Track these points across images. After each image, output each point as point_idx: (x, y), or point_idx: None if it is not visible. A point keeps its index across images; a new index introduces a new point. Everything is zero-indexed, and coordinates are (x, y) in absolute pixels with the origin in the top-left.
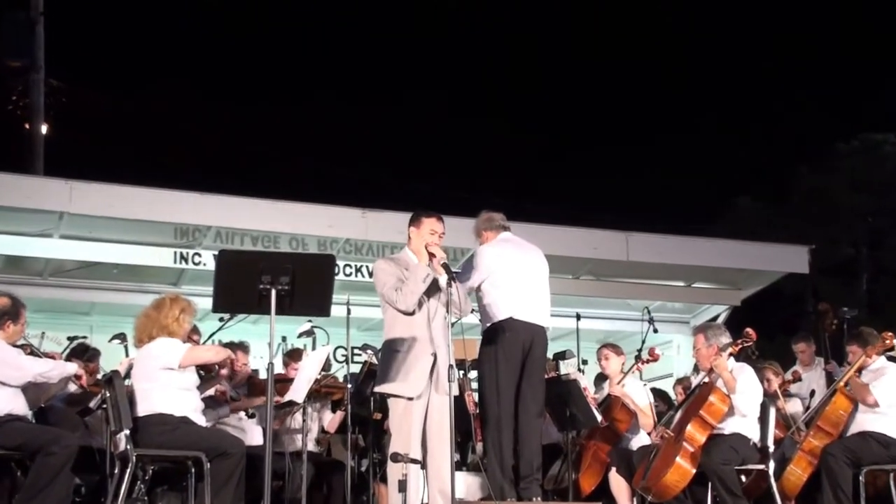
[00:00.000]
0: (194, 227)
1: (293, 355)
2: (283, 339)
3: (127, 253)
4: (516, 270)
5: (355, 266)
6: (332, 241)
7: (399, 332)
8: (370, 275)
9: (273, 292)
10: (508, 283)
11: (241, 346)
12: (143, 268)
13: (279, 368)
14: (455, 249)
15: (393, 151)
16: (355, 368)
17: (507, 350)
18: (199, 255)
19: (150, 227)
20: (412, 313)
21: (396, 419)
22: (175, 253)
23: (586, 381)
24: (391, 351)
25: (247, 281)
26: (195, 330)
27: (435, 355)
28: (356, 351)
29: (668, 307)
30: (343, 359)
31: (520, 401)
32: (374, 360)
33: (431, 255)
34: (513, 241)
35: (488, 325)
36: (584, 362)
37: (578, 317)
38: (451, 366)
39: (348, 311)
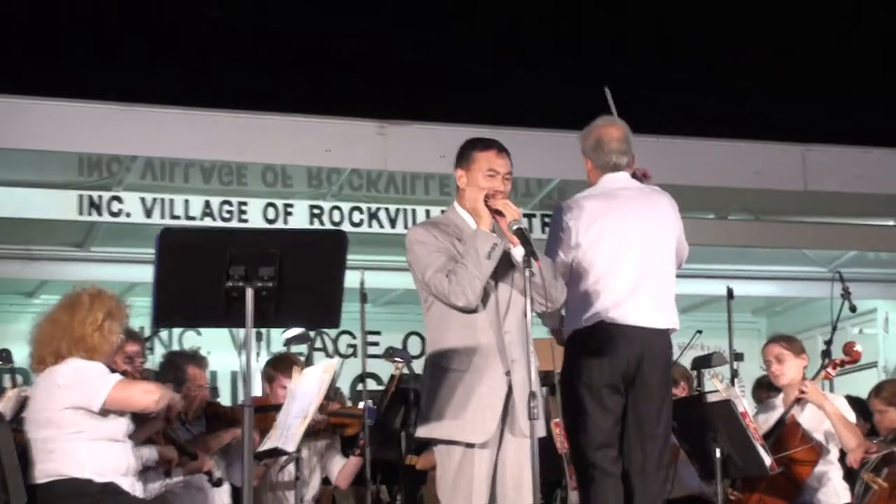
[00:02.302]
0: (110, 156)
1: (281, 365)
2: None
3: (2, 200)
4: (622, 242)
5: (368, 210)
6: (331, 174)
7: (453, 340)
8: (391, 223)
9: (249, 293)
10: (606, 262)
11: (193, 359)
12: (28, 222)
13: (258, 388)
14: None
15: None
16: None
17: (601, 372)
18: (119, 199)
19: (41, 159)
20: (474, 310)
21: (450, 474)
22: (80, 198)
23: (745, 403)
24: (441, 370)
25: (207, 276)
26: (133, 337)
27: (510, 376)
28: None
29: (869, 259)
30: (352, 356)
31: (628, 448)
32: (406, 371)
33: (496, 214)
34: (625, 190)
35: (571, 329)
36: (738, 357)
37: (731, 293)
38: (532, 393)
39: (362, 285)
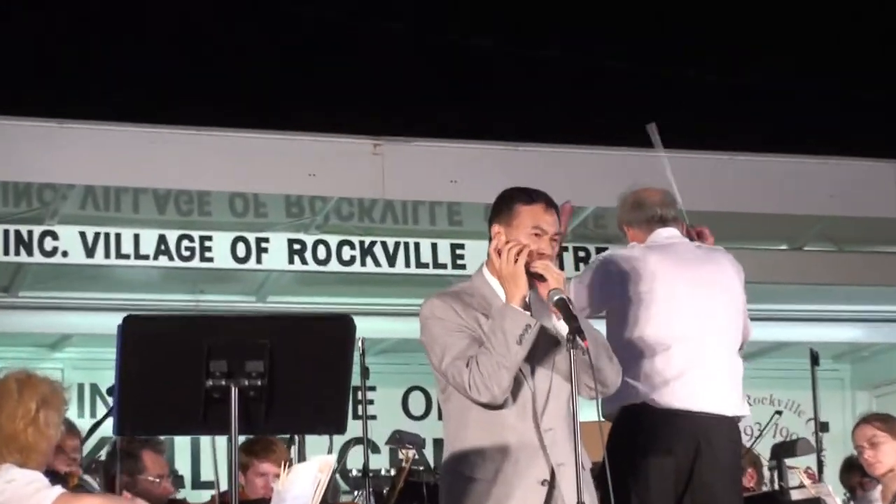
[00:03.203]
0: (42, 185)
1: (256, 448)
2: None
3: None
4: (676, 305)
5: (361, 245)
6: (314, 202)
7: (475, 440)
8: (389, 260)
9: (234, 394)
10: (656, 330)
11: (148, 444)
12: None
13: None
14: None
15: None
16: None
17: (651, 466)
18: (53, 234)
19: None
20: (500, 406)
21: None
22: (4, 233)
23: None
24: (460, 479)
25: (181, 373)
26: (71, 430)
27: (552, 486)
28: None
29: None
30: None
31: None
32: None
33: (536, 279)
34: (681, 245)
35: (616, 409)
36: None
37: (815, 359)
38: None
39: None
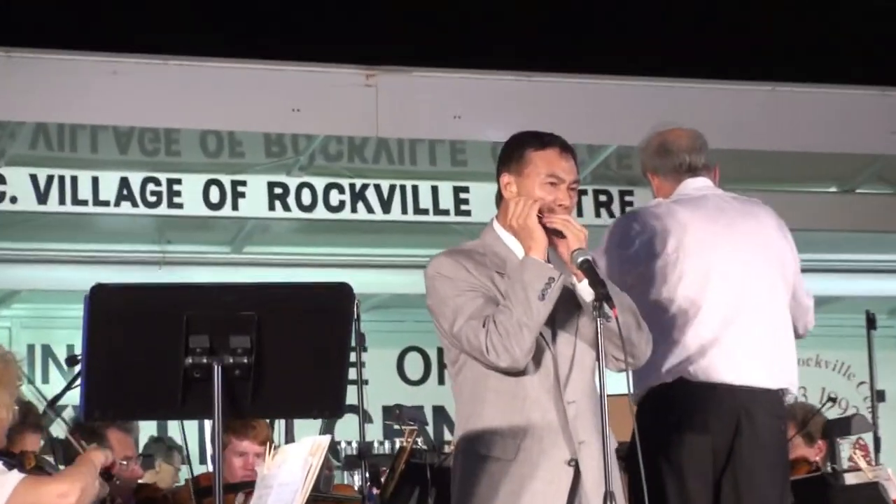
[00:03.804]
0: None
1: (239, 427)
2: None
3: None
4: (711, 263)
5: (352, 189)
6: (297, 140)
7: (493, 415)
8: (383, 205)
9: (217, 372)
10: (690, 293)
11: (115, 423)
12: None
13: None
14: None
15: None
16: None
17: (682, 450)
18: (0, 177)
19: None
20: (522, 372)
21: None
22: None
23: None
24: (476, 459)
25: (157, 350)
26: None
27: (576, 465)
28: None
29: None
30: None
31: None
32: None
33: (554, 236)
34: (714, 198)
35: (644, 387)
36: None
37: (872, 322)
38: (610, 494)
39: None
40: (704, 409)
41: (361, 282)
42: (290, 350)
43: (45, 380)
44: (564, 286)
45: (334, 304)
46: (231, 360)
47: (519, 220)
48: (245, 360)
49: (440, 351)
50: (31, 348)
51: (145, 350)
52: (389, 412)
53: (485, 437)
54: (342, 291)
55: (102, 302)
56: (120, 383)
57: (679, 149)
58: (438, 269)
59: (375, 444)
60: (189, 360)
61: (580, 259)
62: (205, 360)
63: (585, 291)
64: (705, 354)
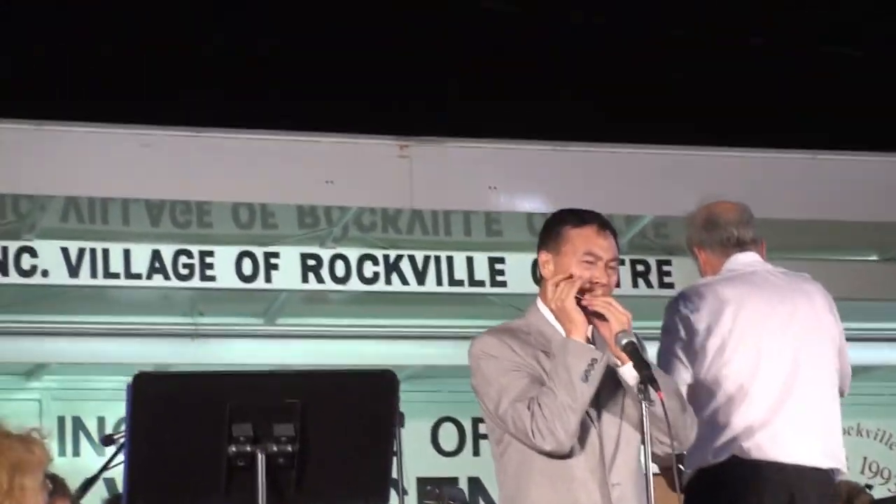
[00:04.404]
0: (14, 196)
1: None
2: None
3: None
4: (763, 342)
5: (386, 260)
6: (331, 211)
7: (538, 497)
8: (418, 276)
9: (260, 461)
10: (744, 371)
11: None
12: None
13: None
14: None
15: None
16: None
17: None
18: (31, 251)
19: None
20: (567, 454)
21: None
22: None
23: None
24: None
25: (201, 438)
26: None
27: None
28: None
29: None
30: None
31: None
32: None
33: (596, 318)
34: (765, 274)
35: (695, 467)
36: None
37: None
38: None
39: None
40: (758, 489)
41: (396, 353)
42: (334, 437)
43: (76, 452)
44: (608, 367)
45: (378, 391)
46: (275, 448)
47: (557, 303)
48: (289, 449)
49: (475, 421)
50: (61, 420)
51: (188, 438)
52: (427, 491)
53: None
54: (386, 378)
55: (145, 390)
56: (163, 471)
57: (727, 222)
58: (483, 349)
59: None
60: (232, 449)
61: (624, 341)
62: (248, 449)
63: (629, 374)
64: (757, 433)
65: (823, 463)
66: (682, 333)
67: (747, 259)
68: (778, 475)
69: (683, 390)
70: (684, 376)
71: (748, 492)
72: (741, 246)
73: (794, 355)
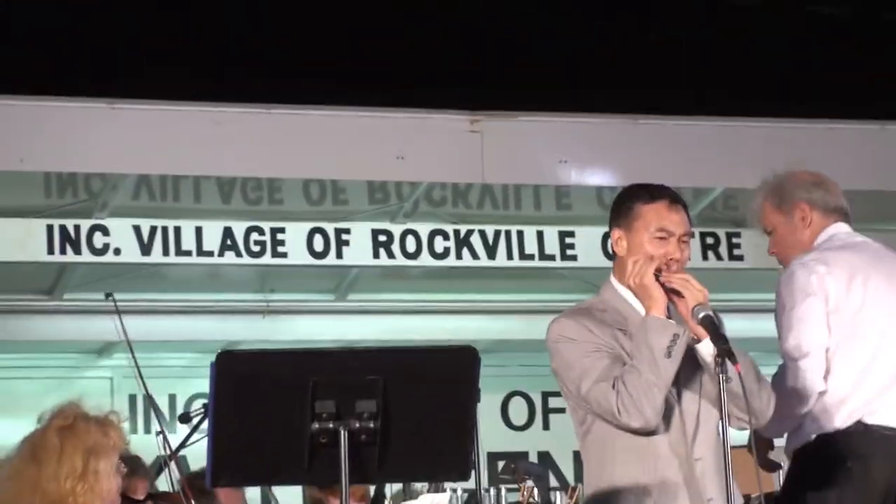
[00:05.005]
0: (87, 175)
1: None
2: None
3: None
4: (891, 311)
5: (456, 235)
6: (401, 187)
7: (624, 475)
8: (489, 251)
9: (343, 438)
10: (874, 340)
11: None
12: None
13: None
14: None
15: None
16: None
17: (859, 493)
18: (103, 229)
19: None
20: (653, 431)
21: None
22: (48, 229)
23: None
24: None
25: (284, 416)
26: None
27: None
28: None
29: None
30: None
31: None
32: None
33: (672, 294)
34: (868, 246)
35: (810, 437)
36: None
37: None
38: None
39: None
40: (883, 454)
41: (466, 327)
42: (416, 414)
43: (147, 430)
44: (689, 347)
45: (460, 367)
46: (357, 425)
47: (636, 280)
48: (371, 425)
49: (544, 396)
50: (132, 399)
51: (271, 416)
52: (504, 466)
53: (618, 497)
54: (468, 355)
55: (228, 368)
56: (246, 449)
57: (836, 190)
58: (562, 332)
59: (481, 493)
60: (315, 426)
61: (701, 315)
62: (331, 426)
63: (706, 350)
64: (880, 400)
65: None
66: (822, 296)
67: (847, 229)
68: (892, 442)
69: (821, 355)
70: (823, 340)
71: (872, 457)
72: (845, 217)
73: None
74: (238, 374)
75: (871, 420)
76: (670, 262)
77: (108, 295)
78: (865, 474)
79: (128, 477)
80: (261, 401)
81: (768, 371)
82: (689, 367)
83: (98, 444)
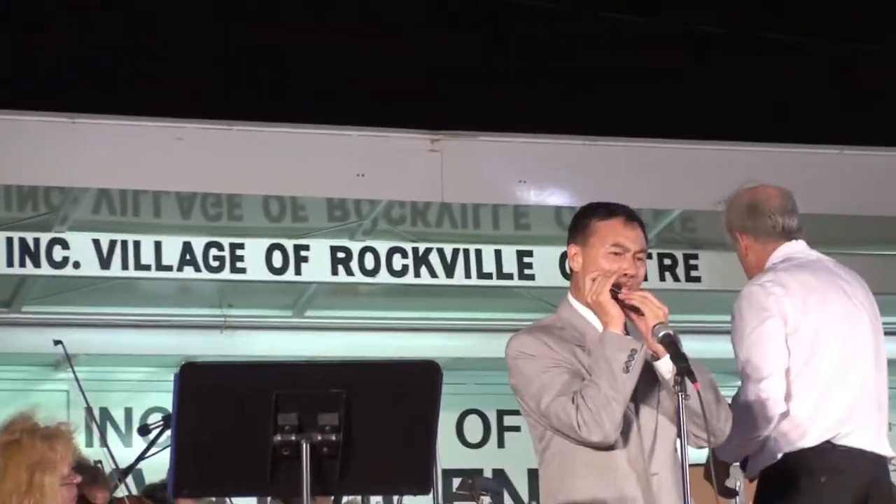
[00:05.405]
0: (47, 189)
1: None
2: None
3: None
4: (848, 333)
5: (415, 253)
6: (362, 206)
7: (583, 490)
8: (447, 269)
9: (305, 450)
10: (836, 360)
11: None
12: None
13: None
14: None
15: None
16: None
17: None
18: (63, 243)
19: None
20: (611, 446)
21: None
22: (8, 242)
23: None
24: None
25: (246, 428)
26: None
27: None
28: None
29: None
30: None
31: None
32: None
33: (632, 311)
34: (820, 262)
35: (776, 457)
36: None
37: None
38: None
39: None
40: (845, 474)
41: (423, 345)
42: (378, 427)
43: (103, 443)
44: (646, 364)
45: (422, 382)
46: (319, 438)
47: (593, 297)
48: (333, 438)
49: (500, 414)
50: (88, 411)
51: (234, 427)
52: (461, 482)
53: None
54: (430, 370)
55: (191, 380)
56: (209, 460)
57: (772, 210)
58: (521, 349)
59: None
60: (278, 438)
61: (661, 333)
62: (293, 438)
63: (665, 367)
64: (849, 421)
65: (890, 452)
66: (780, 317)
67: (800, 247)
68: (862, 462)
69: (781, 376)
70: (783, 361)
71: (837, 476)
72: (789, 235)
73: (874, 345)
74: (202, 385)
75: (840, 441)
76: (625, 277)
77: (56, 342)
78: (839, 488)
79: (88, 486)
80: (224, 412)
81: (726, 393)
82: (647, 383)
83: (44, 459)
